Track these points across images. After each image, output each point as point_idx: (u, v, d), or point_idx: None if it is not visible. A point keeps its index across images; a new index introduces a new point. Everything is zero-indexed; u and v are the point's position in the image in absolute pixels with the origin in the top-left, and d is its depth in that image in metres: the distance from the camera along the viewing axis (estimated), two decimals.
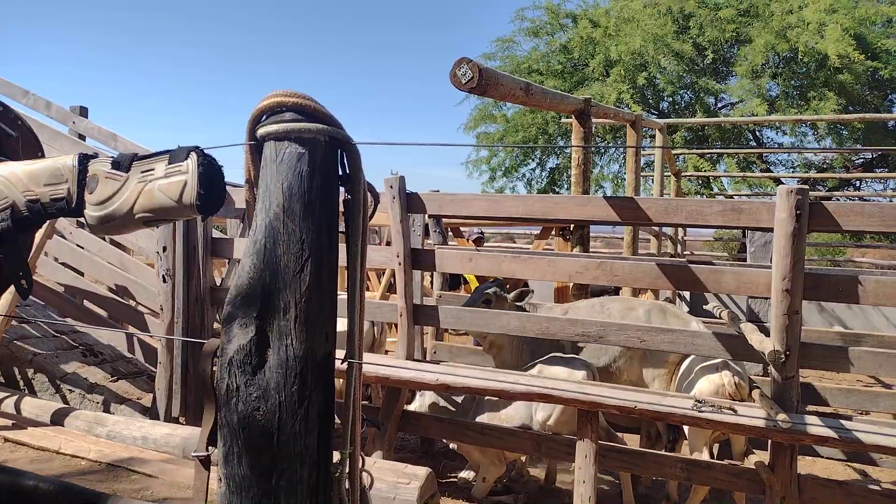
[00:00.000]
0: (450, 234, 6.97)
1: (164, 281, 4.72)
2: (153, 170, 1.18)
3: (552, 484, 4.59)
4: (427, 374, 4.01)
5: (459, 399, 4.53)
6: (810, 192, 3.39)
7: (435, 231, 5.39)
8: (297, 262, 1.06)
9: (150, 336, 5.33)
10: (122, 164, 1.23)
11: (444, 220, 5.81)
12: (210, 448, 1.18)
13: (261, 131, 1.10)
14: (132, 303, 5.51)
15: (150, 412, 4.81)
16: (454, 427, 4.26)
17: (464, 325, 4.64)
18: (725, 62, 13.78)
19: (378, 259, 4.82)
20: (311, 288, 1.06)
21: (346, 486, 1.12)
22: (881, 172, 13.72)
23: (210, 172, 1.13)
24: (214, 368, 1.14)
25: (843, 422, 3.32)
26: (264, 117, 1.12)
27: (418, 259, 4.41)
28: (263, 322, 1.06)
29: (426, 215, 4.65)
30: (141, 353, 5.41)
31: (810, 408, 3.82)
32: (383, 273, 7.43)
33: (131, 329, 5.71)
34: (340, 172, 1.14)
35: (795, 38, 11.73)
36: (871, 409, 4.33)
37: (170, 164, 1.17)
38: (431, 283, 6.28)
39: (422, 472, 3.60)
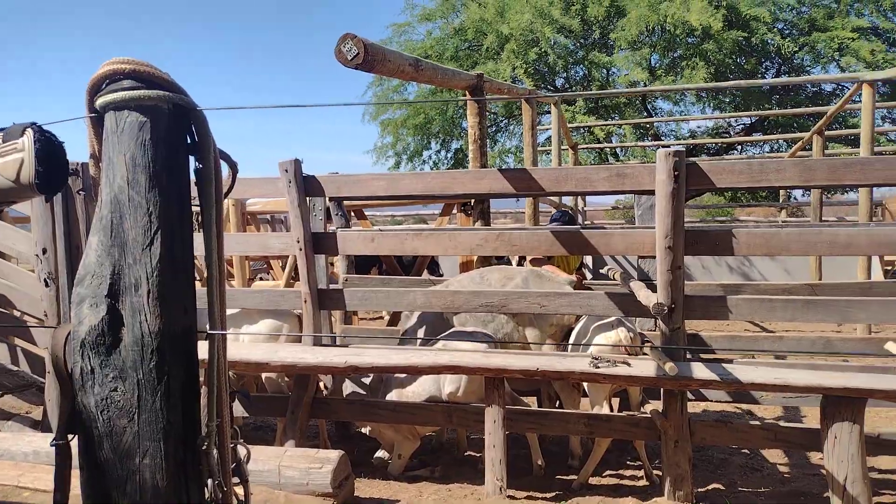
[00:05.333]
0: (353, 217, 6.91)
1: (47, 285, 4.43)
2: None
3: (463, 453, 4.70)
4: (335, 358, 3.98)
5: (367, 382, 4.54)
6: (697, 159, 3.60)
7: (337, 214, 5.33)
8: (145, 236, 1.02)
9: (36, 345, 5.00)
10: None
11: (347, 202, 5.75)
12: (70, 435, 1.13)
13: (99, 102, 1.05)
14: (16, 312, 5.14)
15: (42, 425, 4.53)
16: (366, 408, 4.27)
17: (371, 305, 4.64)
18: (613, 32, 14.30)
19: (277, 245, 4.72)
20: (164, 261, 1.03)
21: (216, 459, 1.10)
22: (758, 136, 14.75)
23: (49, 149, 1.07)
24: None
25: (724, 365, 3.58)
26: (104, 86, 1.06)
27: (320, 243, 4.35)
28: (115, 300, 1.02)
29: (327, 198, 4.59)
30: (27, 364, 5.07)
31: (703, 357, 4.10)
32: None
33: (16, 340, 5.34)
34: (189, 141, 1.11)
35: (664, 11, 12.41)
36: (753, 351, 4.70)
37: (4, 142, 1.10)
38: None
39: (334, 455, 3.59)
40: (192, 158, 1.12)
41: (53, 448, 1.11)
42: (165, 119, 1.06)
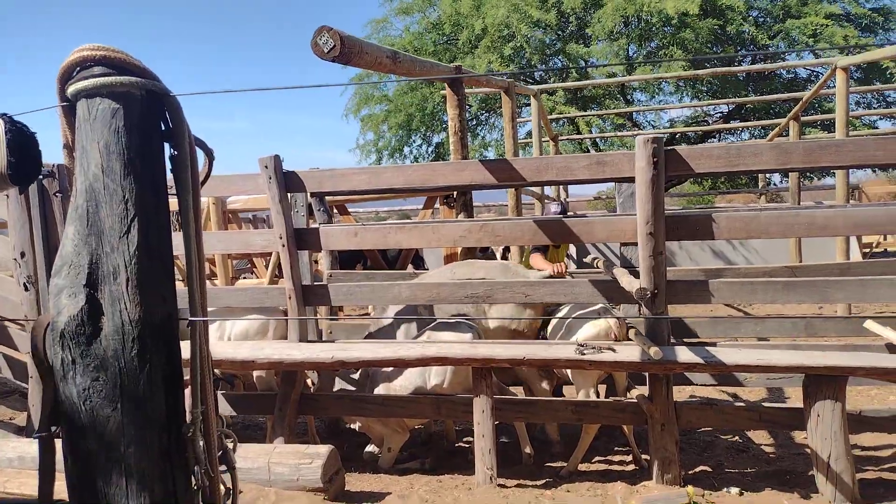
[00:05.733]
0: (336, 213, 6.89)
1: (27, 289, 4.36)
2: None
3: (453, 444, 4.71)
4: (321, 354, 3.97)
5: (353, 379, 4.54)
6: (674, 147, 3.63)
7: (319, 210, 5.31)
8: (122, 223, 1.01)
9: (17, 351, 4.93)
10: None
11: (329, 198, 5.73)
12: (53, 427, 1.11)
13: (71, 90, 1.04)
14: None
15: (26, 431, 4.47)
16: (355, 403, 4.26)
17: (356, 300, 4.62)
18: (589, 27, 14.38)
19: (260, 242, 4.69)
20: (141, 248, 1.02)
21: (202, 446, 1.10)
22: (736, 123, 14.90)
23: (21, 139, 1.06)
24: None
25: (708, 348, 3.61)
26: (74, 74, 1.05)
27: (303, 239, 4.33)
28: (93, 289, 1.01)
29: (308, 194, 4.57)
30: (9, 371, 5.00)
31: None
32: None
33: None
34: (163, 128, 1.10)
35: (641, 0, 12.49)
36: (736, 335, 4.75)
37: None
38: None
39: (324, 449, 3.58)
40: (167, 146, 1.11)
41: (37, 440, 1.10)
42: (138, 105, 1.05)
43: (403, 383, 4.16)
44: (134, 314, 1.02)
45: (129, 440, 1.00)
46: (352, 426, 4.56)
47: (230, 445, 1.20)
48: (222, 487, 1.15)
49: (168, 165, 1.11)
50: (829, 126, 12.95)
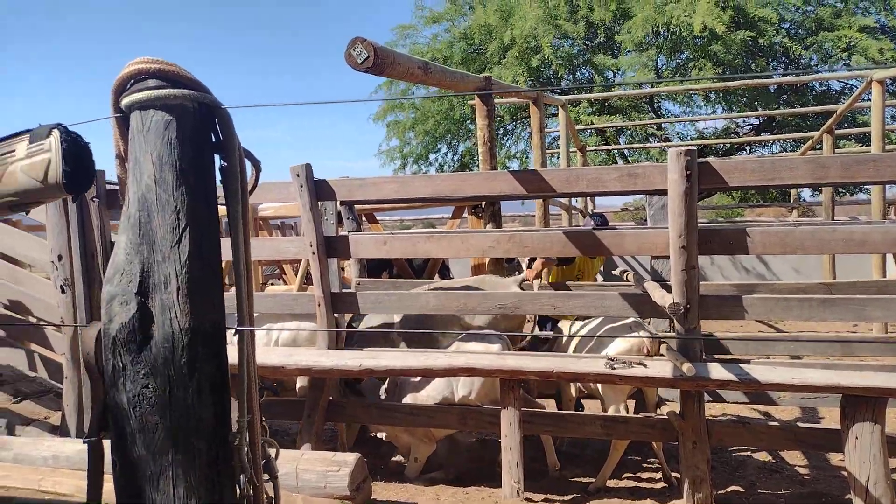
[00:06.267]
0: (364, 221, 6.93)
1: (63, 291, 4.46)
2: (13, 151, 1.12)
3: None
4: (350, 361, 3.99)
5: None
6: (707, 159, 3.60)
7: (348, 218, 5.34)
8: (174, 233, 1.03)
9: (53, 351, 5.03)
10: None
11: (358, 206, 5.76)
12: (102, 432, 1.13)
13: (125, 101, 1.06)
14: (31, 318, 5.18)
15: (61, 430, 4.55)
16: (383, 411, 4.27)
17: (383, 308, 4.64)
18: (619, 34, 14.31)
19: (291, 250, 4.74)
20: (192, 258, 1.04)
21: (248, 455, 1.11)
22: (766, 136, 14.68)
23: (75, 149, 1.09)
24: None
25: (742, 366, 3.54)
26: (129, 86, 1.07)
27: (332, 246, 4.36)
28: (145, 297, 1.03)
29: (338, 203, 4.60)
30: (45, 370, 5.10)
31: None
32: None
33: (33, 346, 5.38)
34: (214, 139, 1.12)
35: (670, 13, 12.37)
36: (769, 353, 4.66)
37: (31, 143, 1.11)
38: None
39: (351, 458, 3.58)
40: (217, 157, 1.13)
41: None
42: (191, 118, 1.07)
43: (431, 393, 4.16)
44: (184, 323, 1.03)
45: (176, 447, 1.02)
46: (376, 435, 4.56)
47: (272, 454, 1.21)
48: (264, 496, 1.15)
49: (217, 176, 1.13)
50: (863, 139, 12.70)
